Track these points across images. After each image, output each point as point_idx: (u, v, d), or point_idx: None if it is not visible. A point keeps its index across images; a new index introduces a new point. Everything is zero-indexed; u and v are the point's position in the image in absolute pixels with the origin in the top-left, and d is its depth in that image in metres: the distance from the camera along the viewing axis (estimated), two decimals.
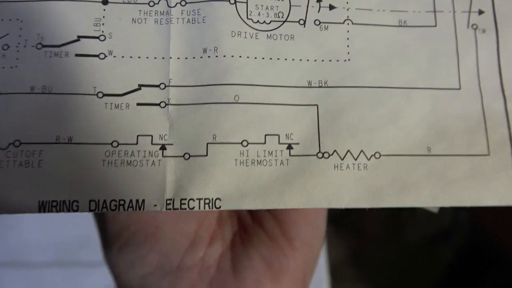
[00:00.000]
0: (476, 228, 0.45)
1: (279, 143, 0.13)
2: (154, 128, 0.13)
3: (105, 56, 0.13)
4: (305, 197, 0.13)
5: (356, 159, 0.13)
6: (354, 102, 0.13)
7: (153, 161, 0.12)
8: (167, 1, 0.13)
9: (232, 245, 0.16)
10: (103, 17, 0.13)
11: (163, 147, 0.12)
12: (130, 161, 0.12)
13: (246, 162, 0.13)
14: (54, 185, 0.12)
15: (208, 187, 0.12)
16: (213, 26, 0.13)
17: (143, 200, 0.12)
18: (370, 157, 0.13)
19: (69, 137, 0.12)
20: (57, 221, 0.33)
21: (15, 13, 0.13)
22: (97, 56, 0.13)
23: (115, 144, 0.12)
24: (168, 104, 0.13)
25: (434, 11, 0.14)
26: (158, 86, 0.13)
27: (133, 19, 0.13)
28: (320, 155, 0.13)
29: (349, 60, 0.14)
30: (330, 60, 0.14)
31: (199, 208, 0.12)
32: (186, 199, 0.12)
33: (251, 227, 0.17)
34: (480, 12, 0.14)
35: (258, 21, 0.13)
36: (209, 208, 0.12)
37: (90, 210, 0.12)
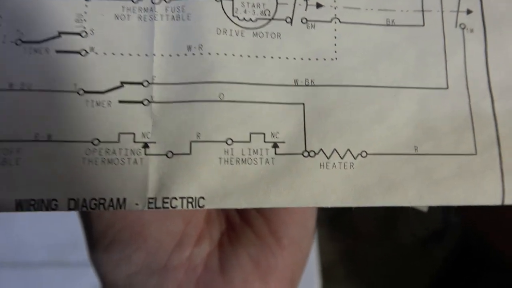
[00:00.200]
0: (469, 229, 0.45)
1: (265, 141, 0.13)
2: (137, 126, 0.12)
3: (87, 52, 0.13)
4: (291, 196, 0.12)
5: (342, 158, 0.13)
6: (341, 101, 0.13)
7: (135, 159, 0.12)
8: None
9: (219, 244, 0.16)
10: (85, 13, 0.13)
11: (145, 145, 0.12)
12: (111, 159, 0.12)
13: (231, 161, 0.12)
14: (32, 184, 0.12)
15: (192, 186, 0.12)
16: (198, 23, 0.13)
17: (124, 199, 0.12)
18: (357, 156, 0.13)
19: (48, 135, 0.12)
20: (51, 221, 0.33)
21: None
22: (79, 52, 0.13)
23: (96, 142, 0.12)
24: (151, 102, 0.13)
25: (422, 11, 0.14)
26: (141, 83, 0.13)
27: (116, 15, 0.13)
28: (306, 154, 0.13)
29: (336, 59, 0.13)
30: (317, 59, 0.13)
31: (182, 207, 0.12)
32: (168, 197, 0.12)
33: (239, 226, 0.17)
34: (468, 11, 0.14)
35: (244, 18, 0.13)
36: (192, 207, 0.12)
37: (69, 209, 0.12)
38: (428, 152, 0.13)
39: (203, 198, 0.12)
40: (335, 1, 0.14)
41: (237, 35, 0.13)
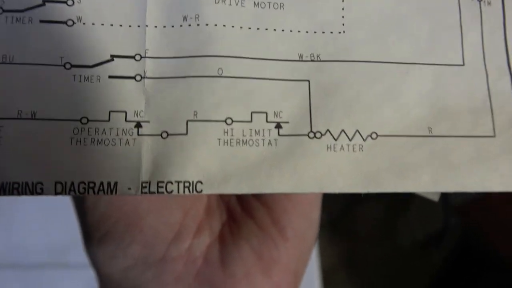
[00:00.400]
0: (468, 229, 0.46)
1: (267, 121, 0.12)
2: (129, 104, 0.12)
3: (74, 23, 0.12)
4: (294, 181, 0.12)
5: (351, 140, 0.12)
6: (349, 78, 0.12)
7: (127, 140, 0.11)
8: None
9: (220, 235, 0.16)
10: None
11: (138, 125, 0.11)
12: (101, 140, 0.11)
13: (231, 142, 0.12)
14: (16, 166, 0.11)
15: (188, 169, 0.11)
16: None
17: (116, 183, 0.11)
18: (366, 138, 0.12)
19: (33, 112, 0.11)
20: (50, 222, 0.33)
21: None
22: (65, 23, 0.12)
23: (84, 120, 0.11)
24: (144, 77, 0.12)
25: None
26: (133, 57, 0.12)
27: None
28: (311, 135, 0.12)
29: (343, 32, 0.13)
30: (323, 32, 0.13)
31: (178, 192, 0.11)
32: (163, 181, 0.11)
33: (240, 217, 0.16)
34: None
35: None
36: (189, 192, 0.11)
37: (56, 193, 0.11)
38: (443, 134, 0.12)
39: (200, 182, 0.11)
40: None
41: (237, 4, 0.12)
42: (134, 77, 0.12)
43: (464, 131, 0.12)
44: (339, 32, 0.13)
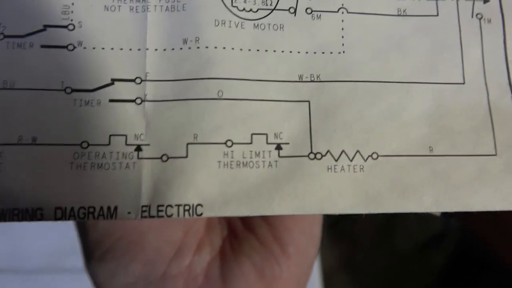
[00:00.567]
0: (467, 234, 0.46)
1: (267, 143, 0.12)
2: (129, 127, 0.11)
3: (74, 47, 0.12)
4: (296, 203, 0.12)
5: (351, 160, 0.12)
6: (349, 98, 0.12)
7: (127, 163, 0.11)
8: None
9: (221, 252, 0.16)
10: (72, 4, 0.12)
11: (138, 148, 0.11)
12: (102, 164, 0.11)
13: (231, 164, 0.12)
14: (16, 191, 0.11)
15: (189, 192, 0.11)
16: (194, 14, 0.12)
17: (116, 207, 0.11)
18: (367, 158, 0.12)
19: (33, 138, 0.11)
20: (50, 227, 0.33)
21: None
22: (65, 47, 0.12)
23: (84, 145, 0.11)
24: (144, 101, 0.12)
25: (436, 0, 0.13)
26: (133, 80, 0.12)
27: (105, 6, 0.12)
28: (312, 156, 0.12)
29: (343, 52, 0.13)
30: (323, 52, 0.13)
31: (178, 216, 0.11)
32: (163, 205, 0.11)
33: (241, 233, 0.16)
34: (485, 0, 0.13)
35: (244, 9, 0.12)
36: (190, 215, 0.11)
37: (56, 219, 0.11)
38: (445, 153, 0.12)
39: (201, 205, 0.11)
40: None
41: (236, 27, 0.12)
42: (134, 100, 0.12)
43: (465, 150, 0.12)
44: (339, 53, 0.13)
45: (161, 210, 0.11)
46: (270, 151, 0.12)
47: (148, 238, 0.15)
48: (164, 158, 0.11)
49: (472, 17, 0.13)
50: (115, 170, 0.11)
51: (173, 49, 0.12)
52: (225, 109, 0.12)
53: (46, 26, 0.12)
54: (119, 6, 0.12)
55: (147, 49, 0.12)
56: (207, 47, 0.12)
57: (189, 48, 0.12)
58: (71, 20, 0.12)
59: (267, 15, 0.12)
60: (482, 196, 0.12)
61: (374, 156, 0.12)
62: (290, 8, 0.13)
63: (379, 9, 0.13)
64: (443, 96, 0.13)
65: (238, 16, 0.12)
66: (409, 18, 0.13)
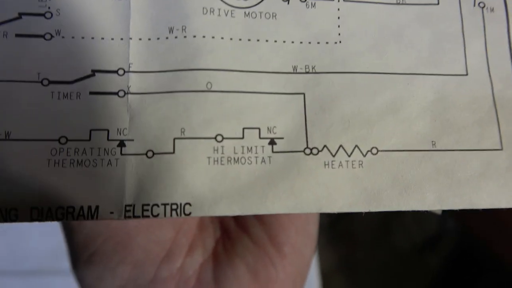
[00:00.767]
0: (465, 233, 0.46)
1: (260, 137, 0.11)
2: (111, 121, 0.11)
3: (52, 36, 0.11)
4: (291, 201, 0.11)
5: (349, 156, 0.11)
6: (346, 90, 0.12)
7: (110, 160, 0.11)
8: None
9: (214, 253, 0.15)
10: None
11: (121, 144, 0.11)
12: (81, 161, 0.11)
13: (221, 160, 0.11)
14: None
15: (176, 190, 0.11)
16: (181, 1, 0.11)
17: (97, 207, 0.10)
18: (366, 153, 0.11)
19: (7, 132, 0.11)
20: (50, 228, 0.32)
21: None
22: (42, 36, 0.11)
23: (63, 140, 0.11)
24: (127, 93, 0.11)
25: None
26: (115, 71, 0.11)
27: None
28: (308, 151, 0.11)
29: (340, 42, 0.12)
30: (318, 42, 0.12)
31: (165, 215, 0.11)
32: (149, 204, 0.11)
33: (235, 233, 0.16)
34: None
35: None
36: (177, 215, 0.11)
37: (31, 220, 0.10)
38: (448, 148, 0.12)
39: (189, 204, 0.11)
40: None
41: (226, 15, 0.12)
42: (117, 93, 0.11)
43: (469, 145, 0.12)
44: (335, 43, 0.12)
45: (147, 210, 0.11)
46: (263, 146, 0.11)
47: (137, 239, 0.14)
48: (149, 154, 0.11)
49: (474, 5, 0.13)
50: (96, 167, 0.11)
51: (158, 38, 0.11)
52: (214, 102, 0.11)
53: (21, 14, 0.11)
54: None
55: (131, 38, 0.11)
56: (194, 37, 0.11)
57: (176, 37, 0.11)
58: (49, 8, 0.11)
59: (259, 2, 0.12)
60: (488, 193, 0.11)
61: (374, 151, 0.11)
62: None
63: None
64: (445, 88, 0.12)
65: (227, 4, 0.12)
66: (408, 7, 0.12)
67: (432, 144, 0.12)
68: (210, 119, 0.11)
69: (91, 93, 0.11)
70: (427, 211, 0.12)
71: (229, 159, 0.11)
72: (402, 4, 0.12)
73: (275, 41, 0.12)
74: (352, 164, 0.11)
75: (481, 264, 0.44)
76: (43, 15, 0.11)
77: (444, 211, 0.12)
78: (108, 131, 0.11)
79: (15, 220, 0.10)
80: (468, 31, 0.13)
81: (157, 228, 0.15)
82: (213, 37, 0.11)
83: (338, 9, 0.12)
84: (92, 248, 0.14)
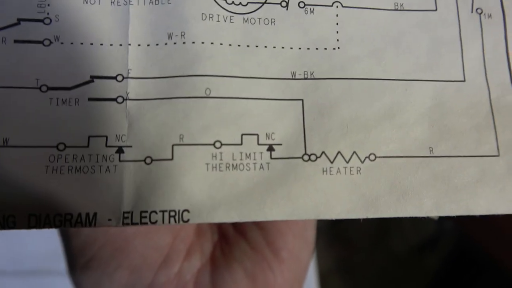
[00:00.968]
0: (463, 236, 0.46)
1: (258, 144, 0.11)
2: (110, 128, 0.11)
3: (51, 42, 0.11)
4: (289, 208, 0.11)
5: (348, 162, 0.11)
6: (344, 96, 0.12)
7: (108, 166, 0.11)
8: None
9: (212, 258, 0.15)
10: None
11: (120, 150, 0.11)
12: (80, 167, 0.10)
13: (219, 167, 0.11)
14: None
15: (174, 197, 0.11)
16: (179, 7, 0.11)
17: (95, 214, 0.10)
18: (364, 160, 0.11)
19: (5, 139, 0.10)
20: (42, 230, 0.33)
21: None
22: (41, 42, 0.11)
23: (61, 147, 0.11)
24: (126, 99, 0.11)
25: None
26: (114, 78, 0.11)
27: None
28: (306, 157, 0.11)
29: (338, 48, 0.12)
30: (316, 48, 0.12)
31: (163, 222, 0.10)
32: (147, 211, 0.11)
33: (233, 238, 0.16)
34: None
35: (233, 2, 0.12)
36: (175, 221, 0.10)
37: (29, 227, 0.10)
38: (445, 154, 0.12)
39: (187, 211, 0.11)
40: None
41: (225, 21, 0.12)
42: (115, 99, 0.11)
43: (467, 151, 0.12)
44: (334, 49, 0.12)
45: (145, 217, 0.10)
46: (261, 153, 0.11)
47: (134, 244, 0.14)
48: (148, 160, 0.11)
49: (472, 11, 0.13)
50: (94, 174, 0.11)
51: (157, 44, 0.11)
52: (213, 108, 0.11)
53: (20, 20, 0.11)
54: None
55: (130, 44, 0.11)
56: (193, 43, 0.11)
57: (175, 43, 0.11)
58: (48, 14, 0.11)
59: (258, 8, 0.12)
60: (485, 199, 0.11)
61: (372, 157, 0.11)
62: (282, 1, 0.12)
63: (375, 3, 0.12)
64: (443, 94, 0.12)
65: (226, 10, 0.12)
66: (406, 13, 0.12)
67: (430, 150, 0.12)
68: (209, 125, 0.11)
69: (89, 99, 0.11)
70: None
71: (228, 165, 0.11)
72: (401, 10, 0.13)
73: (274, 47, 0.12)
74: (350, 171, 0.11)
75: (479, 267, 0.44)
76: (42, 21, 0.11)
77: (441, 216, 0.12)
78: (106, 137, 0.11)
79: (13, 227, 0.10)
80: (466, 37, 0.13)
81: (155, 233, 0.14)
82: (212, 43, 0.11)
83: (337, 15, 0.12)
84: (90, 254, 0.14)
